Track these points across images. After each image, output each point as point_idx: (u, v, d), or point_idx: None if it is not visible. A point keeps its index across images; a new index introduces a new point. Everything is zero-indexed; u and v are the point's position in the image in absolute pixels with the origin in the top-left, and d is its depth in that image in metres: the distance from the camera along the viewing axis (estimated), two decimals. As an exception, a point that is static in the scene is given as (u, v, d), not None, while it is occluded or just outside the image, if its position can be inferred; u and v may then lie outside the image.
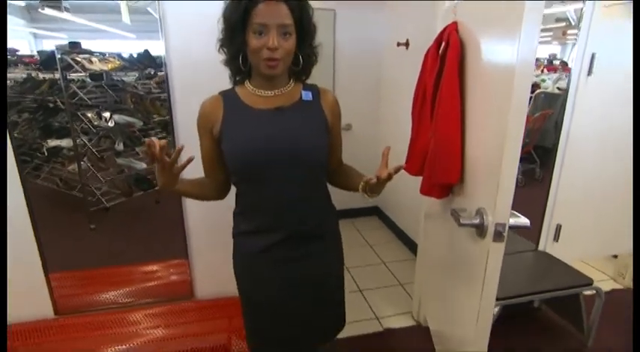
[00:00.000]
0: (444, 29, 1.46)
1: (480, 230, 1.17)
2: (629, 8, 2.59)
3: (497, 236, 1.10)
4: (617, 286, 2.49)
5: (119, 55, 2.28)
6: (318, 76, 1.19)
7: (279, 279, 1.16)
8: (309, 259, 1.16)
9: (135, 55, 2.23)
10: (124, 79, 2.43)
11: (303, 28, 1.02)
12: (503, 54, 1.09)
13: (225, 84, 1.43)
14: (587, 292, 1.87)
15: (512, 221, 1.11)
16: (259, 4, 0.94)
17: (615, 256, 2.58)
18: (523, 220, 1.13)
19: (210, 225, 1.72)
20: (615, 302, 2.24)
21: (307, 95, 1.12)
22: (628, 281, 2.47)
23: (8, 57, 1.63)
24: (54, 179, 2.46)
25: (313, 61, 1.11)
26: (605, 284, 2.47)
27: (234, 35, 1.00)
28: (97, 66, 2.22)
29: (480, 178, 1.26)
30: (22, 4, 1.57)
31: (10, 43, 1.58)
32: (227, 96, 1.09)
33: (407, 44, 2.72)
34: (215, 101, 1.09)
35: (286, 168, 1.05)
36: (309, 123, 1.10)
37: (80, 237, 2.21)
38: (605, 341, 1.95)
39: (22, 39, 1.69)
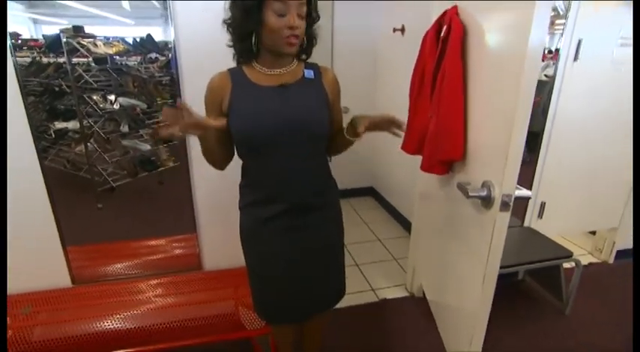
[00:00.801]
0: (444, 13, 1.47)
1: (487, 201, 1.23)
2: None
3: (504, 206, 1.16)
4: (594, 260, 2.59)
5: (123, 39, 2.26)
6: (317, 61, 1.22)
7: (281, 247, 1.20)
8: (309, 228, 1.20)
9: (138, 40, 2.21)
10: (127, 62, 2.42)
11: (310, 12, 1.07)
12: (514, 36, 1.12)
13: (232, 65, 1.45)
14: (567, 264, 1.96)
15: (515, 192, 1.17)
16: None
17: (593, 233, 2.67)
18: (525, 192, 1.20)
19: (216, 201, 1.77)
20: (592, 275, 2.34)
21: (309, 73, 1.15)
22: (604, 256, 2.57)
23: (12, 41, 1.61)
24: (61, 160, 2.44)
25: (314, 42, 1.15)
26: (584, 259, 2.56)
27: (250, 16, 1.00)
28: (102, 49, 2.20)
29: (485, 154, 1.31)
30: None
31: (11, 28, 1.56)
32: (234, 73, 1.12)
33: (402, 30, 2.73)
34: (223, 77, 1.11)
35: (290, 142, 1.09)
36: (311, 100, 1.13)
37: (88, 217, 2.22)
38: (581, 309, 2.05)
39: (21, 24, 1.66)
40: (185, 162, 1.75)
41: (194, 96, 1.62)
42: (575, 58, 1.98)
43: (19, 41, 1.94)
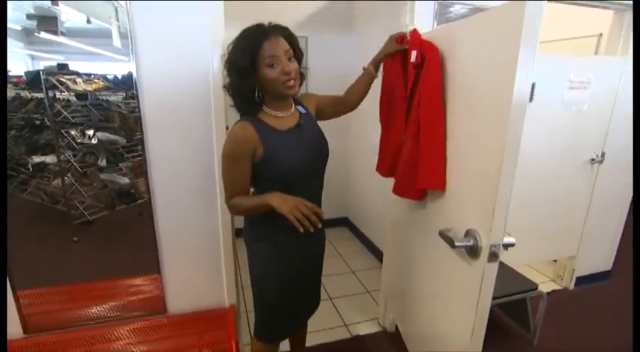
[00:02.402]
0: (403, 38, 1.39)
1: (474, 252, 1.08)
2: (561, 45, 2.67)
3: (492, 256, 1.03)
4: (557, 287, 2.51)
5: (104, 77, 2.15)
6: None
7: (301, 263, 1.25)
8: (315, 240, 1.28)
9: (119, 77, 2.11)
10: (109, 98, 2.30)
11: (297, 54, 1.10)
12: (499, 77, 1.00)
13: (193, 103, 1.43)
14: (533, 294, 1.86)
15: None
16: (263, 42, 1.01)
17: (555, 261, 2.60)
18: (510, 239, 1.05)
19: (182, 241, 1.60)
20: (555, 302, 2.25)
21: (301, 108, 1.21)
22: (565, 283, 2.50)
23: None
24: (39, 193, 2.29)
25: (303, 78, 1.18)
26: (547, 286, 2.49)
27: (248, 76, 1.03)
28: (81, 86, 2.10)
29: (468, 200, 1.16)
30: (19, 27, 1.50)
31: (10, 65, 1.53)
32: (255, 122, 1.09)
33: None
34: (247, 128, 1.08)
35: (316, 171, 1.19)
36: (318, 131, 1.22)
37: (64, 249, 2.04)
38: (548, 337, 1.95)
39: (19, 60, 1.63)
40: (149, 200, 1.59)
41: (157, 133, 1.50)
42: (531, 99, 1.95)
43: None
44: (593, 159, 2.19)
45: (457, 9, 2.50)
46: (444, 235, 1.15)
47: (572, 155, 2.16)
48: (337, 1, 2.94)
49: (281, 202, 1.01)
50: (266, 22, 1.06)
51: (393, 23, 1.87)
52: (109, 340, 1.45)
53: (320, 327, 1.99)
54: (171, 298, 1.60)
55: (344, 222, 3.49)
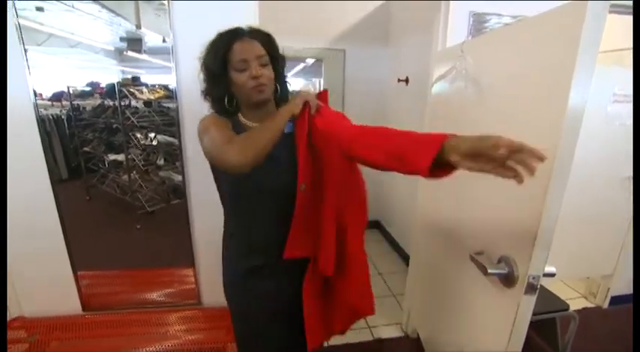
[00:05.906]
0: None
1: (509, 280, 0.89)
2: (604, 56, 2.30)
3: (530, 288, 0.83)
4: (589, 305, 2.17)
5: (165, 87, 2.19)
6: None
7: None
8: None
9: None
10: (170, 105, 2.35)
11: (276, 58, 0.93)
12: (549, 89, 0.82)
13: None
14: (563, 313, 1.58)
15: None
16: (234, 44, 0.86)
17: (587, 277, 2.25)
18: (551, 269, 0.85)
19: (213, 239, 1.52)
20: (587, 321, 1.93)
21: (289, 128, 0.92)
22: (599, 300, 2.15)
23: (90, 89, 1.68)
24: (114, 185, 2.40)
25: (288, 85, 0.99)
26: (578, 302, 2.16)
27: (218, 80, 0.89)
28: (146, 95, 2.13)
29: (505, 222, 0.97)
30: (112, 48, 1.62)
31: (103, 78, 1.67)
32: (233, 121, 0.94)
33: (407, 81, 2.49)
34: (221, 117, 0.93)
35: (270, 196, 0.96)
36: (291, 159, 0.91)
37: (128, 235, 2.09)
38: (579, 358, 1.65)
39: (113, 74, 1.74)
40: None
41: (191, 134, 1.44)
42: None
43: (97, 89, 1.92)
44: (637, 176, 1.85)
45: (492, 24, 2.22)
46: (475, 261, 0.96)
47: (611, 170, 1.85)
48: (375, 14, 2.76)
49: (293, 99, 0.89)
50: (246, 27, 0.89)
51: (428, 35, 1.67)
52: (153, 324, 1.42)
53: (344, 326, 1.84)
54: (204, 292, 1.55)
55: (376, 225, 3.30)
